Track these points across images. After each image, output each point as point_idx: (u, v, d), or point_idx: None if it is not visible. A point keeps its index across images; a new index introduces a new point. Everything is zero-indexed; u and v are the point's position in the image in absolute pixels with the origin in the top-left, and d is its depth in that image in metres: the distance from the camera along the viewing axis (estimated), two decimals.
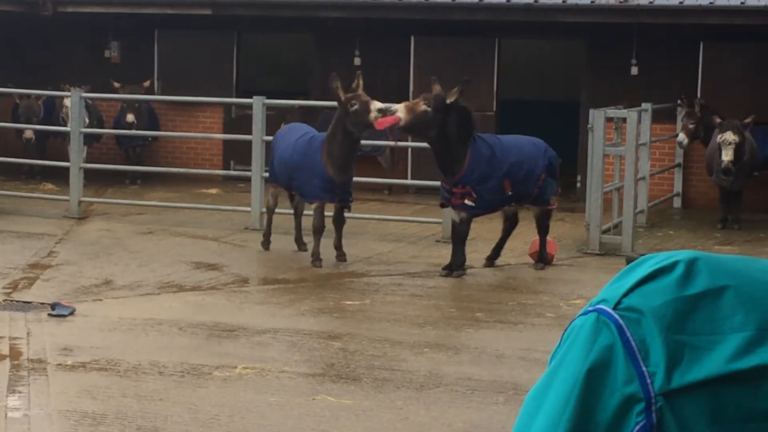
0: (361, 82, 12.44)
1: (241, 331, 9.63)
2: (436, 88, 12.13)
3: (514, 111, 20.48)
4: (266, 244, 13.37)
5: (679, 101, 17.36)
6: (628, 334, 1.58)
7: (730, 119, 15.10)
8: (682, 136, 16.62)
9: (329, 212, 12.77)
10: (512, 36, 19.36)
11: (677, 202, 17.92)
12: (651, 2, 17.07)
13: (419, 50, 19.12)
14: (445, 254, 13.12)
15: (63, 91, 17.54)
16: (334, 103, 12.63)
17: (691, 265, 1.62)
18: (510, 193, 12.17)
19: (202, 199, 17.04)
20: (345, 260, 12.61)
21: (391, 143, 16.03)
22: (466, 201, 12.05)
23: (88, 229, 14.70)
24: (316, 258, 12.52)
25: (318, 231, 12.54)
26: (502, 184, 12.09)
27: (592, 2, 17.27)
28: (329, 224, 12.66)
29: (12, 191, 16.89)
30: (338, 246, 12.71)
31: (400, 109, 11.86)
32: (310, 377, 8.31)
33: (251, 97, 15.20)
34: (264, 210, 14.19)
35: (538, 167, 12.28)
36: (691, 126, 16.57)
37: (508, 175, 12.10)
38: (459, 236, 12.31)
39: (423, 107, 11.81)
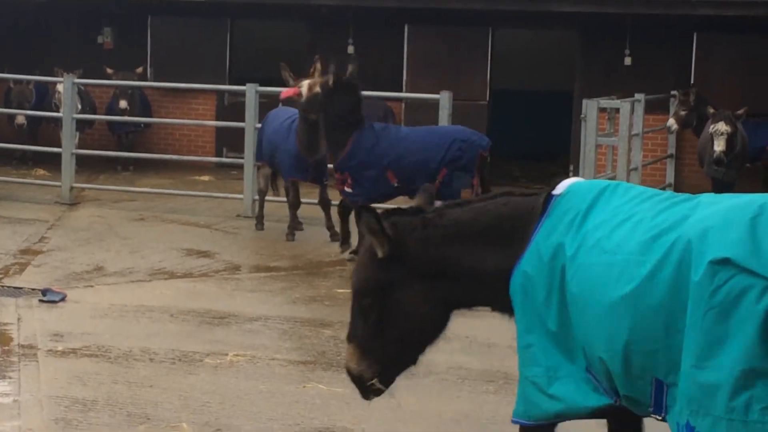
0: (318, 67, 12.56)
1: (233, 319, 9.62)
2: (317, 67, 12.42)
3: (508, 101, 20.49)
4: (260, 225, 13.87)
5: (674, 91, 17.38)
6: None
7: (723, 110, 15.11)
8: (671, 122, 16.65)
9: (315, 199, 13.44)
10: (506, 25, 19.34)
11: None
12: None
13: (413, 39, 19.10)
14: None
15: (56, 76, 17.52)
16: None
17: None
18: (396, 184, 12.03)
19: (194, 186, 17.02)
20: (338, 239, 12.73)
21: None
22: (346, 188, 12.08)
23: (80, 215, 14.68)
24: (291, 231, 13.28)
25: (292, 206, 13.34)
26: (384, 174, 11.98)
27: None
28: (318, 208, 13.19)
29: (4, 177, 16.86)
30: (329, 226, 13.21)
31: (304, 86, 12.24)
32: (301, 365, 8.31)
33: (244, 85, 15.19)
34: (256, 198, 14.28)
35: (434, 162, 11.97)
36: (682, 113, 16.58)
37: (392, 166, 11.96)
38: (342, 215, 12.47)
39: (316, 89, 12.03)
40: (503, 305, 4.86)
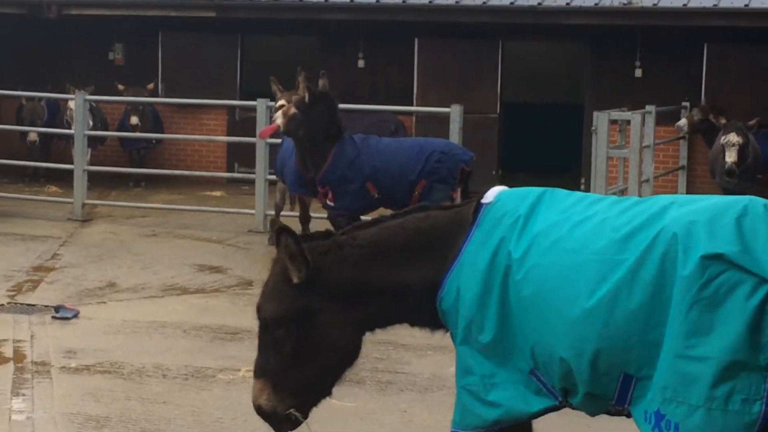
0: (299, 80, 12.54)
1: (245, 334, 9.62)
2: (300, 81, 12.26)
3: (518, 113, 20.49)
4: (272, 240, 13.62)
5: (685, 102, 17.42)
6: None
7: (734, 121, 15.11)
8: (683, 122, 16.65)
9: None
10: (516, 38, 19.36)
11: None
12: (655, 4, 17.07)
13: (423, 52, 19.12)
14: None
15: (67, 93, 17.57)
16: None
17: None
18: (377, 195, 11.97)
19: (205, 202, 17.06)
20: None
21: None
22: (327, 201, 12.02)
23: (92, 232, 14.71)
24: None
25: (301, 221, 13.29)
26: (365, 186, 11.93)
27: (596, 4, 17.28)
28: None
29: (16, 193, 16.91)
30: None
31: (278, 117, 12.19)
32: None
33: (255, 100, 15.22)
34: (269, 212, 14.33)
35: (413, 173, 11.89)
36: (696, 118, 16.59)
37: (372, 177, 11.91)
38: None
39: (292, 111, 11.92)
40: (427, 320, 4.77)
